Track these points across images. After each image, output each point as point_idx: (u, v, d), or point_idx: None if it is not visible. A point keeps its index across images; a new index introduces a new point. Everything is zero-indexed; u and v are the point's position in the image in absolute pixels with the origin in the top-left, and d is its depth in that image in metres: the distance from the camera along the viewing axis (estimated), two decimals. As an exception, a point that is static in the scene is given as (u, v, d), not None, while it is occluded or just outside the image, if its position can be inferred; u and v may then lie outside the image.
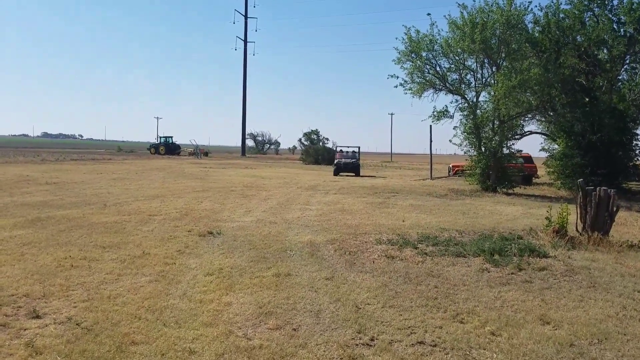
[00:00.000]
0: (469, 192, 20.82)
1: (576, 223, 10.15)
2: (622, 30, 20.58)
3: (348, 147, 37.64)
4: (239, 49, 79.77)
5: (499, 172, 21.02)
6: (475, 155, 21.93)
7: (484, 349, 4.65)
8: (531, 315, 5.55)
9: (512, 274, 7.29)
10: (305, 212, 13.45)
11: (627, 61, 21.33)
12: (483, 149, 21.14)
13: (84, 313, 5.40)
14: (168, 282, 6.62)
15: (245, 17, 78.72)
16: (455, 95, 21.65)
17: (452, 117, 21.68)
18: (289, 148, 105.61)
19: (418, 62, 20.99)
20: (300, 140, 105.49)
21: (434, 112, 21.82)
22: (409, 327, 5.13)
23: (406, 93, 21.59)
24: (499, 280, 6.98)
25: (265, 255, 8.29)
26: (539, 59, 20.47)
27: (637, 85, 21.96)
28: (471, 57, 21.00)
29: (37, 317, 5.27)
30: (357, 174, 32.54)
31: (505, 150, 21.47)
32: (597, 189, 9.98)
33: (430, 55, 20.86)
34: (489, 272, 7.40)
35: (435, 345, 4.71)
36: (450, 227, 11.45)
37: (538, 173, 29.23)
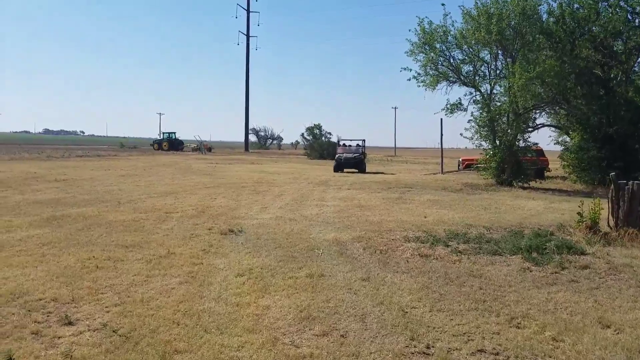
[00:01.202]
0: (484, 186, 20.51)
1: (608, 218, 9.85)
2: (637, 20, 20.23)
3: (351, 140, 33.78)
4: (242, 44, 79.52)
5: (515, 166, 20.68)
6: (489, 148, 21.62)
7: (550, 357, 4.37)
8: (589, 319, 5.26)
9: (555, 273, 7.00)
10: (322, 209, 13.17)
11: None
12: (498, 142, 20.80)
13: (119, 318, 5.13)
14: (199, 284, 6.34)
15: (248, 11, 78.25)
16: (469, 88, 21.32)
17: (465, 110, 21.38)
18: (292, 143, 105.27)
19: (431, 54, 20.67)
20: (302, 135, 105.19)
21: (447, 105, 21.52)
22: (464, 333, 4.85)
23: (419, 86, 21.28)
24: (544, 280, 6.69)
25: (293, 254, 8.01)
26: (554, 51, 20.13)
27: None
28: (485, 48, 20.67)
29: (70, 323, 5.00)
30: (361, 171, 29.67)
31: (522, 143, 21.13)
32: (631, 182, 9.66)
33: (444, 47, 20.54)
34: (530, 271, 7.11)
35: (497, 354, 4.43)
36: (475, 223, 11.16)
37: (549, 166, 28.92)
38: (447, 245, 8.59)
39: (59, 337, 4.67)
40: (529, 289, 6.28)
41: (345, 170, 29.62)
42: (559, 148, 32.56)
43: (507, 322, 5.12)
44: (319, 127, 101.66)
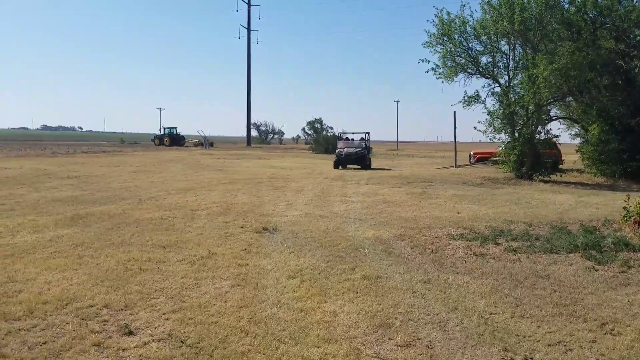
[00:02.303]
0: (504, 180, 20.17)
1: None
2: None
3: (354, 133, 30.34)
4: (243, 38, 78.85)
5: (534, 159, 20.34)
6: (509, 141, 21.29)
7: (664, 368, 4.03)
8: (683, 323, 4.92)
9: (623, 272, 6.67)
10: (349, 205, 12.82)
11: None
12: (517, 134, 20.46)
13: (182, 327, 4.78)
14: (253, 287, 6.00)
15: (249, 4, 77.58)
16: (487, 79, 20.95)
17: (483, 102, 21.01)
18: (293, 138, 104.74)
19: (450, 45, 20.26)
20: (303, 129, 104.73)
21: (464, 97, 21.15)
22: (559, 342, 4.51)
23: (438, 78, 20.88)
24: (615, 280, 6.36)
25: (339, 254, 7.66)
26: (574, 41, 19.72)
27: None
28: (503, 39, 20.27)
29: (131, 333, 4.65)
30: (364, 167, 26.76)
31: (543, 136, 20.78)
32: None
33: (462, 38, 20.14)
34: (596, 271, 6.77)
35: (604, 364, 4.08)
36: (513, 218, 10.82)
37: (563, 159, 28.57)
38: (497, 243, 8.26)
39: (124, 349, 4.33)
40: (605, 290, 5.94)
41: (347, 166, 26.98)
42: (567, 140, 32.36)
43: (599, 329, 4.78)
44: (320, 121, 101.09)
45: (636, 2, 19.64)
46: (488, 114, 21.36)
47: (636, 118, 20.18)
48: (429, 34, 20.65)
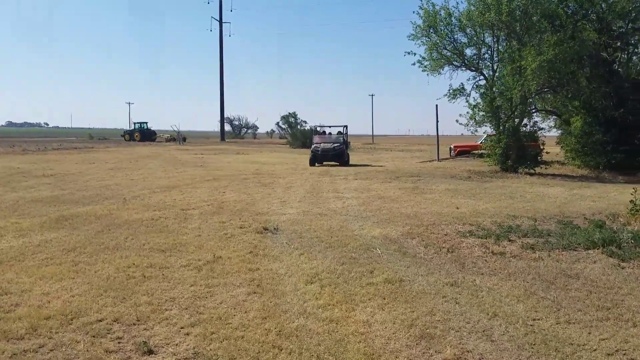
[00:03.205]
0: (490, 173, 20.07)
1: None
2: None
3: (331, 127, 27.86)
4: (214, 30, 77.38)
5: (520, 152, 20.28)
6: (489, 134, 21.20)
7: None
8: None
9: (651, 269, 6.43)
10: (345, 202, 12.45)
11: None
12: (501, 127, 20.35)
13: (206, 344, 4.35)
14: (272, 295, 5.58)
15: (220, -3, 76.14)
16: (473, 72, 20.78)
17: (468, 95, 20.85)
18: (267, 132, 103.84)
19: (435, 37, 20.00)
20: (277, 123, 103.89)
21: (449, 90, 20.96)
22: (617, 350, 4.21)
23: (424, 71, 20.62)
24: (648, 279, 6.11)
25: (351, 255, 7.29)
26: (556, 33, 19.58)
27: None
28: (487, 31, 20.09)
29: (151, 352, 4.21)
30: (343, 163, 24.31)
31: (529, 129, 20.73)
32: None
33: (448, 30, 19.90)
34: (622, 268, 6.54)
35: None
36: (515, 213, 10.60)
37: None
38: (510, 240, 7.99)
39: (148, 372, 3.87)
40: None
41: (324, 163, 24.68)
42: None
43: (654, 334, 4.50)
44: (294, 115, 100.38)
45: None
46: (470, 108, 21.23)
47: (620, 110, 20.24)
48: (414, 26, 20.42)
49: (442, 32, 20.03)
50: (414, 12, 20.34)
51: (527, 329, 4.61)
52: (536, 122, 21.66)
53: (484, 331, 4.59)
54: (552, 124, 31.09)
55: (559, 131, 26.31)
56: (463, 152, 30.78)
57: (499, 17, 18.01)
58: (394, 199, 12.82)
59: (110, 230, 8.87)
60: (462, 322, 4.78)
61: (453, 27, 20.00)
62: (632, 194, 9.48)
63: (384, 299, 5.44)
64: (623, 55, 21.36)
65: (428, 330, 4.61)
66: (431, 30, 20.03)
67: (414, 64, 20.72)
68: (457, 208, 11.42)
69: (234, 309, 5.19)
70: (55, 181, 16.33)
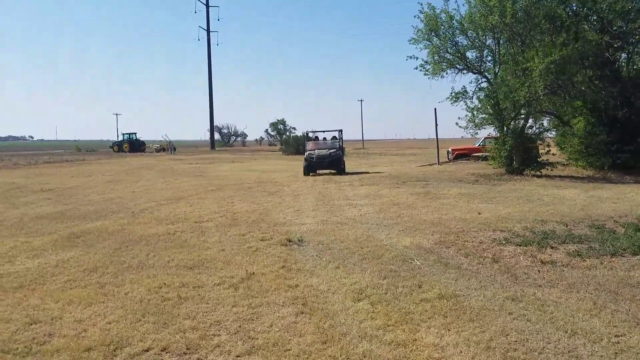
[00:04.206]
0: (495, 175, 19.85)
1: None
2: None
3: (325, 131, 25.59)
4: (202, 39, 76.97)
5: (525, 154, 20.07)
6: (486, 137, 20.99)
7: None
8: None
9: None
10: (361, 209, 12.09)
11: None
12: (505, 129, 20.13)
13: (272, 374, 3.95)
14: (323, 315, 5.20)
15: (207, 5, 75.93)
16: (475, 75, 20.57)
17: (471, 97, 20.62)
18: (256, 139, 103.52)
19: (436, 39, 19.76)
20: (266, 130, 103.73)
21: (452, 93, 20.71)
22: None
23: (425, 74, 20.37)
24: None
25: (390, 267, 6.92)
26: (557, 34, 19.41)
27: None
28: (488, 33, 19.87)
29: (214, 386, 3.79)
30: (340, 171, 22.68)
31: (535, 130, 20.53)
32: None
33: (449, 33, 19.67)
34: (683, 274, 6.23)
35: None
36: (541, 218, 10.31)
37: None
38: (552, 247, 7.67)
39: (217, 411, 3.47)
40: None
41: (318, 171, 22.89)
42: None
43: None
44: (283, 122, 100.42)
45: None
46: (469, 110, 21.01)
47: (623, 110, 20.11)
48: (415, 30, 20.14)
49: (444, 35, 19.79)
50: (415, 16, 20.13)
51: (615, 348, 4.27)
52: (542, 124, 21.43)
53: (569, 352, 4.24)
54: (546, 125, 31.08)
55: (553, 132, 25.97)
56: (461, 155, 30.58)
57: (503, 19, 17.78)
58: (410, 205, 12.48)
59: (128, 247, 8.43)
60: (542, 343, 4.43)
61: (454, 30, 19.77)
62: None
63: (445, 317, 5.07)
64: (624, 55, 21.24)
65: (509, 353, 4.25)
66: (432, 34, 19.78)
67: (416, 68, 20.48)
68: (479, 213, 11.11)
69: (287, 332, 4.80)
70: (55, 196, 15.81)
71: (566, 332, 4.63)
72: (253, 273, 6.74)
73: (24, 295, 5.99)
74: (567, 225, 9.47)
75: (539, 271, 6.52)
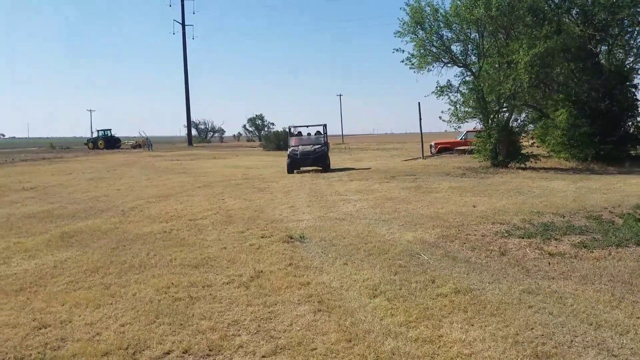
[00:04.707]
0: (482, 168, 19.97)
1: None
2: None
3: (308, 126, 24.42)
4: (177, 33, 76.06)
5: (510, 147, 20.23)
6: (475, 130, 21.12)
7: None
8: None
9: None
10: (356, 204, 12.02)
11: (625, 24, 20.80)
12: (490, 122, 20.25)
13: (303, 375, 3.85)
14: (342, 312, 5.11)
15: (182, -1, 74.84)
16: (460, 68, 20.64)
17: (457, 90, 20.67)
18: (234, 135, 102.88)
19: (421, 32, 19.76)
20: (244, 126, 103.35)
21: (437, 87, 20.74)
22: None
23: (411, 68, 20.36)
24: None
25: (398, 262, 6.86)
26: (540, 27, 19.52)
27: (632, 49, 21.59)
28: (472, 26, 19.92)
29: (245, 389, 3.68)
30: (325, 168, 21.65)
31: (519, 123, 20.72)
32: None
33: (435, 26, 19.67)
34: (692, 265, 6.29)
35: None
36: (537, 210, 10.36)
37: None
38: (557, 239, 7.69)
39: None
40: None
41: (302, 168, 21.85)
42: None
43: None
44: (261, 117, 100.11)
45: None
46: (451, 104, 21.10)
47: (605, 101, 20.39)
48: (401, 23, 20.10)
49: (429, 28, 19.78)
50: (400, 8, 20.10)
51: (643, 339, 4.26)
52: (527, 116, 21.63)
53: (598, 345, 4.21)
54: (524, 117, 31.39)
55: (532, 126, 26.09)
56: (444, 149, 30.74)
57: (488, 12, 17.84)
58: (404, 200, 12.45)
59: (126, 247, 8.23)
60: (569, 336, 4.39)
61: (439, 23, 19.78)
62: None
63: (466, 312, 5.02)
64: (604, 48, 21.51)
65: (539, 347, 4.20)
66: (418, 27, 19.76)
67: (402, 61, 20.45)
68: (474, 206, 11.13)
69: (309, 331, 4.70)
70: (38, 195, 15.45)
71: (591, 324, 4.61)
72: (261, 271, 6.62)
73: (27, 299, 5.79)
74: (564, 217, 9.53)
75: (549, 263, 6.51)
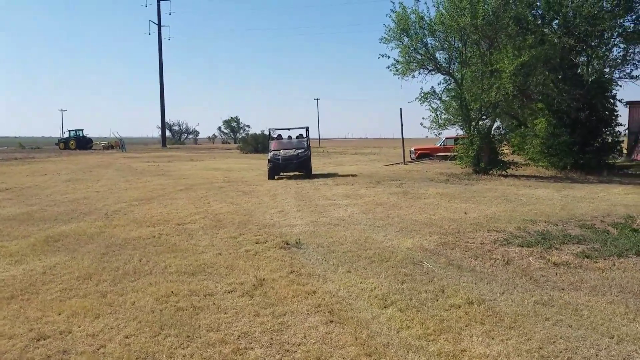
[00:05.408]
0: (464, 175, 20.01)
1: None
2: (603, 4, 20.21)
3: (290, 129, 23.07)
4: (153, 34, 75.07)
5: (492, 154, 20.35)
6: (460, 136, 21.21)
7: None
8: None
9: None
10: (347, 209, 11.87)
11: (605, 36, 21.11)
12: (472, 129, 20.34)
13: (329, 393, 3.66)
14: (356, 324, 4.94)
15: (158, -1, 73.94)
16: (444, 75, 20.70)
17: (440, 98, 20.74)
18: (209, 137, 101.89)
19: (406, 39, 19.75)
20: (219, 128, 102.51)
21: (420, 93, 20.77)
22: None
23: (395, 74, 20.32)
24: None
25: (402, 271, 6.73)
26: (523, 36, 19.69)
27: (610, 60, 21.92)
28: (456, 35, 19.98)
29: (270, 408, 3.47)
30: (308, 174, 20.89)
31: (501, 131, 20.86)
32: None
33: (420, 34, 19.68)
34: (697, 275, 6.28)
35: None
36: (528, 217, 10.36)
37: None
38: (557, 249, 7.65)
39: None
40: None
41: (282, 173, 20.92)
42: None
43: None
44: (236, 119, 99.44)
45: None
46: (432, 111, 21.17)
47: (585, 111, 20.66)
48: (387, 29, 20.04)
49: (414, 35, 19.77)
50: (387, 15, 20.00)
51: (670, 353, 4.18)
52: (503, 124, 21.83)
53: (625, 359, 4.12)
54: (498, 124, 31.70)
55: (512, 133, 26.30)
56: (424, 154, 30.83)
57: (474, 21, 17.89)
58: (394, 205, 12.34)
59: (116, 252, 7.92)
60: (593, 350, 4.30)
61: (424, 30, 19.78)
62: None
63: (483, 324, 4.89)
64: (584, 59, 21.78)
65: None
66: (403, 34, 19.74)
67: (387, 67, 20.38)
68: (466, 213, 11.08)
69: (325, 344, 4.52)
70: (15, 196, 14.92)
71: (612, 338, 4.52)
72: (263, 279, 6.41)
73: (20, 307, 5.47)
74: (557, 225, 9.52)
75: (556, 273, 6.44)
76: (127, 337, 4.65)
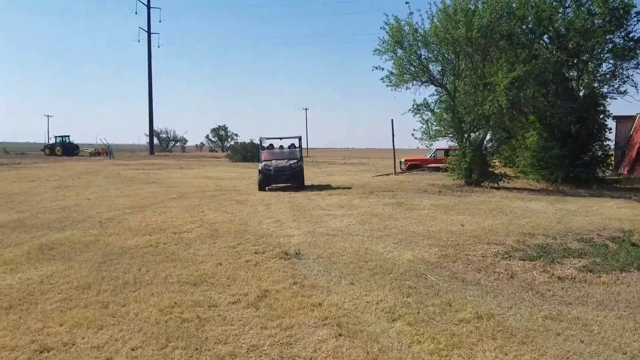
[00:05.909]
0: (456, 187, 20.02)
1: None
2: (595, 20, 20.46)
3: (282, 138, 21.98)
4: (142, 41, 74.80)
5: (483, 166, 20.43)
6: (451, 148, 21.29)
7: None
8: None
9: None
10: (343, 220, 11.81)
11: (595, 52, 21.35)
12: (464, 142, 20.42)
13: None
14: (366, 338, 4.88)
15: (148, 7, 73.80)
16: (437, 87, 20.79)
17: (432, 110, 20.81)
18: (197, 145, 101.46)
19: (400, 51, 19.81)
20: (207, 136, 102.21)
21: (413, 105, 20.81)
22: None
23: (388, 86, 20.36)
24: None
25: (406, 283, 6.68)
26: (513, 51, 19.81)
27: (600, 75, 22.16)
28: (450, 47, 20.09)
29: None
30: (300, 185, 20.04)
31: (494, 144, 20.96)
32: None
33: (414, 46, 19.76)
34: (701, 291, 6.30)
35: None
36: (526, 230, 10.37)
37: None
38: (559, 262, 7.65)
39: None
40: None
41: (273, 185, 19.87)
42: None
43: None
44: (224, 128, 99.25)
45: (575, 13, 20.17)
46: (423, 123, 21.23)
47: (576, 125, 20.85)
48: (381, 41, 20.10)
49: (408, 47, 19.84)
50: (380, 27, 20.05)
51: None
52: (494, 136, 21.97)
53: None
54: (489, 137, 31.90)
55: (503, 146, 26.39)
56: (414, 165, 30.89)
57: (470, 33, 18.01)
58: (390, 216, 12.31)
59: (113, 261, 7.80)
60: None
61: (418, 42, 19.86)
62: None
63: (495, 339, 4.85)
64: (575, 73, 21.99)
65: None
66: (397, 46, 19.80)
67: (381, 79, 20.43)
68: (462, 225, 11.07)
69: (337, 359, 4.44)
70: (4, 203, 14.69)
71: (625, 354, 4.51)
72: (267, 290, 6.33)
73: (20, 317, 5.34)
74: (555, 239, 9.54)
75: (562, 288, 6.43)
76: (133, 350, 4.54)
